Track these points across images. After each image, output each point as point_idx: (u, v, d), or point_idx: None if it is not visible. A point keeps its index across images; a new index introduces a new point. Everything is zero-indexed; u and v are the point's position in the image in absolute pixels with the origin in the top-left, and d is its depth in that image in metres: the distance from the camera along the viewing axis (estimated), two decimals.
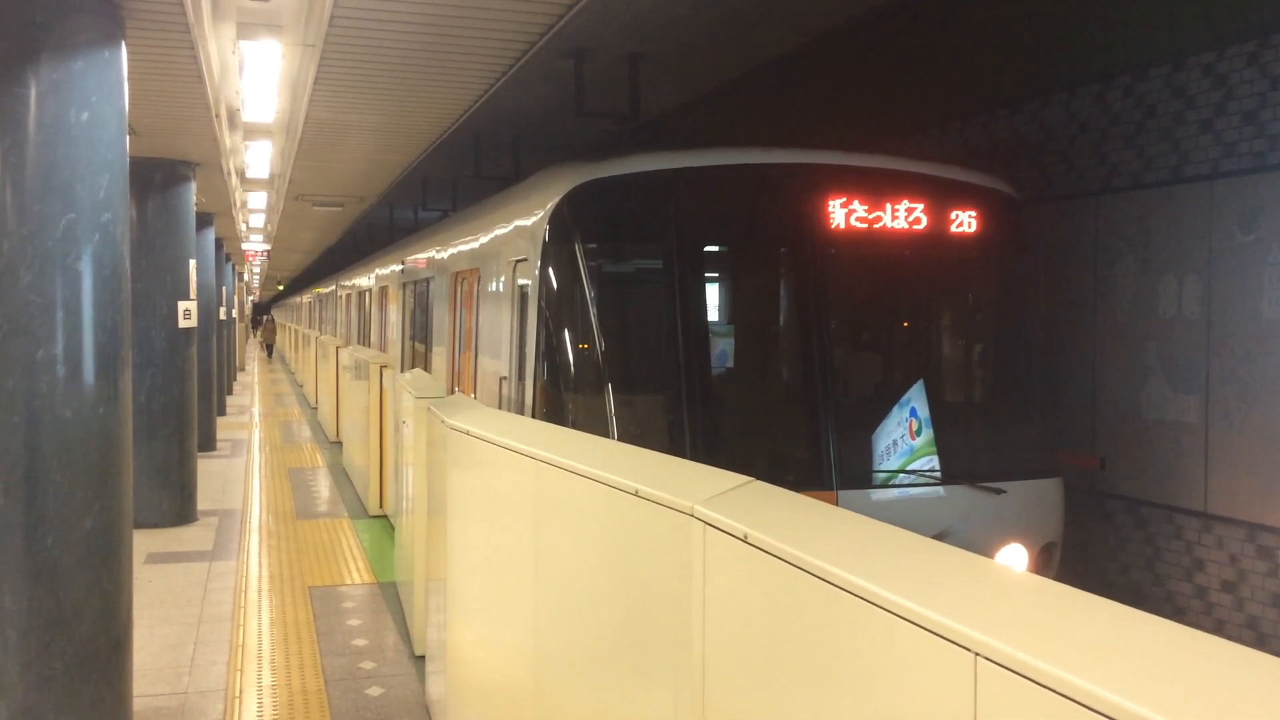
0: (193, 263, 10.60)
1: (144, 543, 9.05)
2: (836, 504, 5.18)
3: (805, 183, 5.97)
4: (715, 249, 6.36)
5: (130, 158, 5.19)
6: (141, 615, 6.70)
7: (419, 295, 11.60)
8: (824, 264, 5.95)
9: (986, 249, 6.37)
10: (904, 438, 5.87)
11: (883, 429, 5.89)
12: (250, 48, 6.42)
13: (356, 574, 8.41)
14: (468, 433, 4.43)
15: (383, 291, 15.28)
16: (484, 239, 7.97)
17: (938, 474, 5.85)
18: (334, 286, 24.88)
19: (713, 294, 6.26)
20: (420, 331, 11.39)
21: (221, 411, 18.96)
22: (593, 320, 5.79)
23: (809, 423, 5.76)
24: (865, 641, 1.92)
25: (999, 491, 5.81)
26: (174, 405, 10.24)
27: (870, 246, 6.05)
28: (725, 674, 2.45)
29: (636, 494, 2.88)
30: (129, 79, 5.17)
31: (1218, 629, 6.51)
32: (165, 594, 7.68)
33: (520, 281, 6.65)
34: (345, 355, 14.58)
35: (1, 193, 4.61)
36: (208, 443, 14.75)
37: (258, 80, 7.31)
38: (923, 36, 7.01)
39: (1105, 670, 1.46)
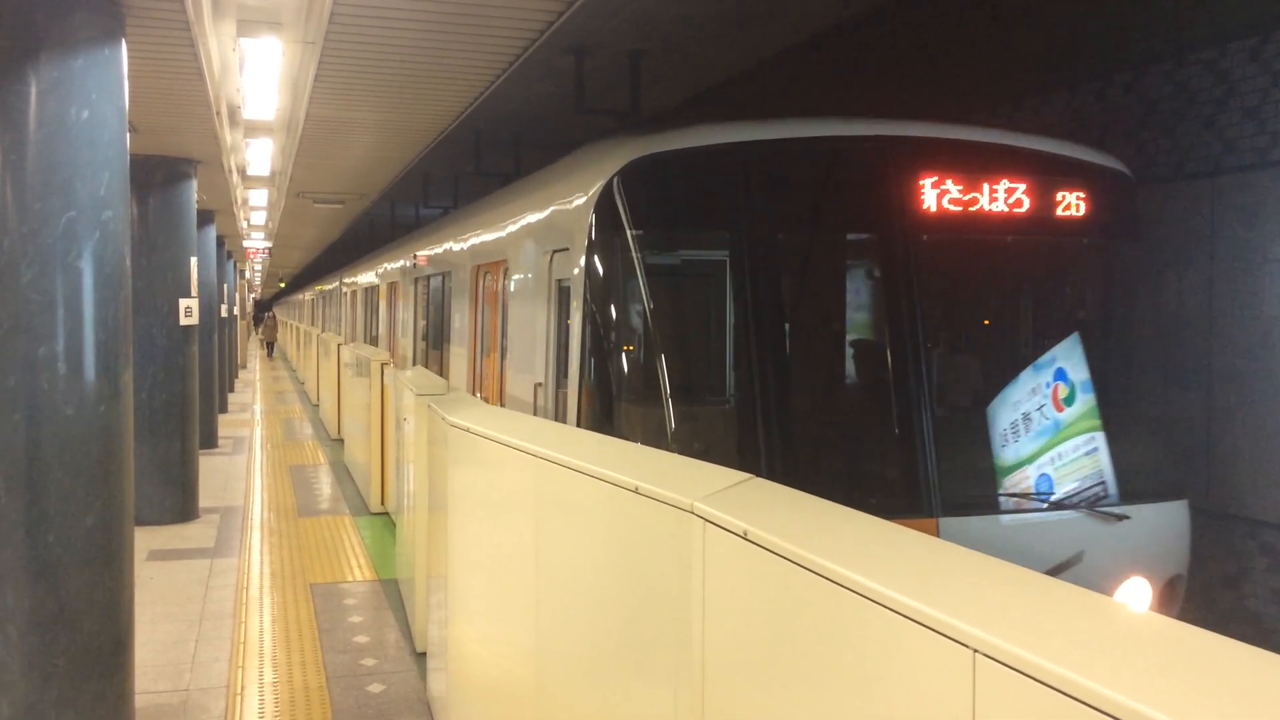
0: (194, 260, 10.60)
1: (145, 540, 9.06)
2: (937, 533, 4.68)
3: (894, 158, 5.23)
4: (791, 236, 5.47)
5: (131, 155, 5.19)
6: (143, 612, 6.71)
7: (433, 291, 10.74)
8: (917, 253, 5.18)
9: (1098, 235, 5.60)
10: (1013, 455, 5.19)
11: (988, 445, 5.18)
12: (250, 45, 6.42)
13: (358, 571, 8.42)
14: (468, 430, 4.43)
15: (392, 288, 14.24)
16: (512, 227, 7.18)
17: (1054, 498, 5.12)
18: (338, 283, 24.14)
19: (789, 289, 5.43)
20: (435, 331, 10.58)
21: (223, 409, 18.98)
22: (649, 320, 5.11)
23: (903, 438, 4.98)
24: (864, 638, 1.93)
25: (1122, 517, 5.10)
26: (175, 403, 10.25)
27: (969, 232, 5.31)
28: (725, 670, 2.45)
29: (637, 491, 2.88)
30: (129, 77, 5.17)
31: None
32: (167, 591, 7.69)
33: (559, 275, 5.89)
34: (346, 352, 14.58)
35: (2, 190, 4.62)
36: (209, 440, 14.75)
37: (258, 77, 7.31)
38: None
39: (1104, 667, 1.46)
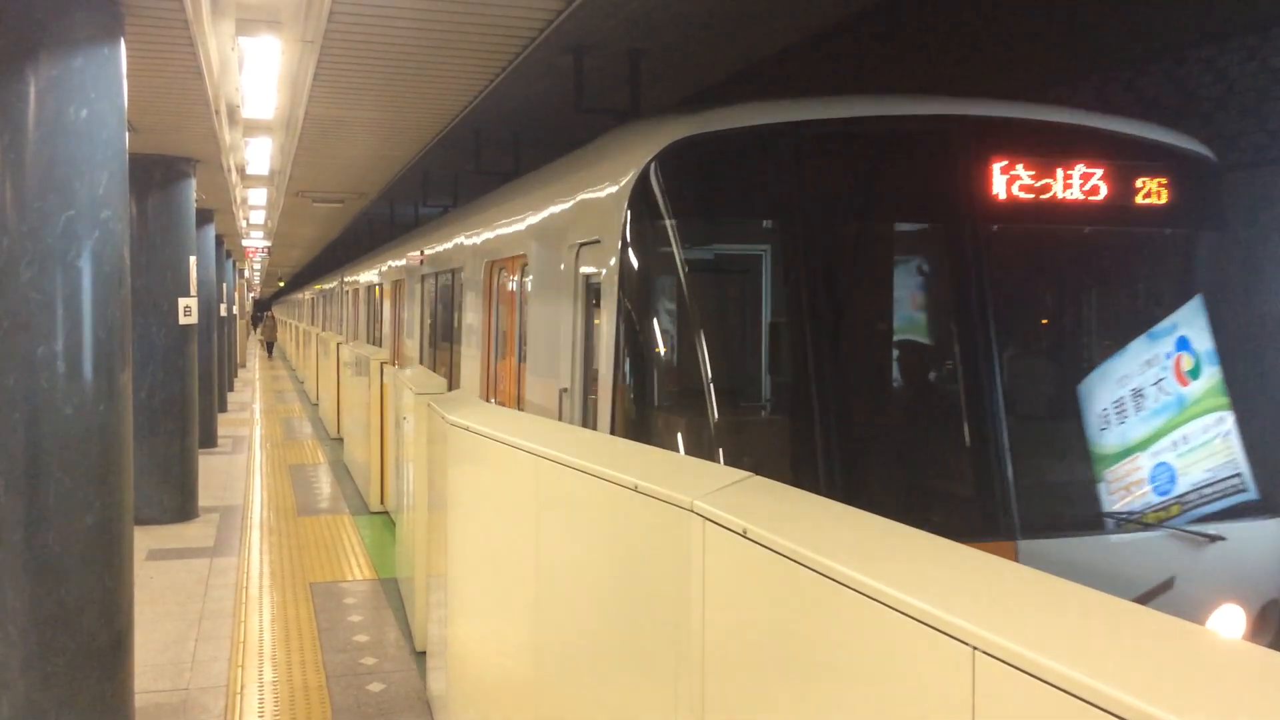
0: (193, 259, 10.60)
1: (145, 539, 9.07)
2: (1016, 557, 4.30)
3: (964, 140, 4.79)
4: (850, 226, 4.97)
5: (130, 154, 5.18)
6: (143, 612, 6.71)
7: (442, 289, 10.17)
8: (989, 245, 4.75)
9: (1182, 225, 5.15)
10: (1099, 469, 4.72)
11: (1071, 458, 4.75)
12: (250, 44, 6.42)
13: (357, 570, 8.42)
14: (468, 428, 4.43)
15: (396, 286, 13.57)
16: (533, 219, 6.64)
17: (1144, 516, 4.64)
18: (338, 281, 23.50)
19: (847, 285, 4.94)
20: (443, 331, 10.04)
21: (222, 408, 18.97)
22: (691, 319, 4.66)
23: (975, 451, 4.53)
24: (864, 636, 1.93)
25: (1217, 538, 4.58)
26: (175, 402, 10.25)
27: (1045, 222, 4.87)
28: (725, 668, 2.45)
29: (636, 489, 2.88)
30: (128, 75, 5.17)
31: None
32: (166, 590, 7.69)
33: (587, 269, 5.41)
34: (346, 351, 14.57)
35: (1, 189, 4.61)
36: (209, 439, 14.76)
37: (257, 76, 7.31)
38: None
39: (1102, 664, 1.46)
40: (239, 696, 5.68)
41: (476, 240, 8.39)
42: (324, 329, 25.57)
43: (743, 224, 4.99)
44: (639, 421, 4.74)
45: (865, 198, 4.93)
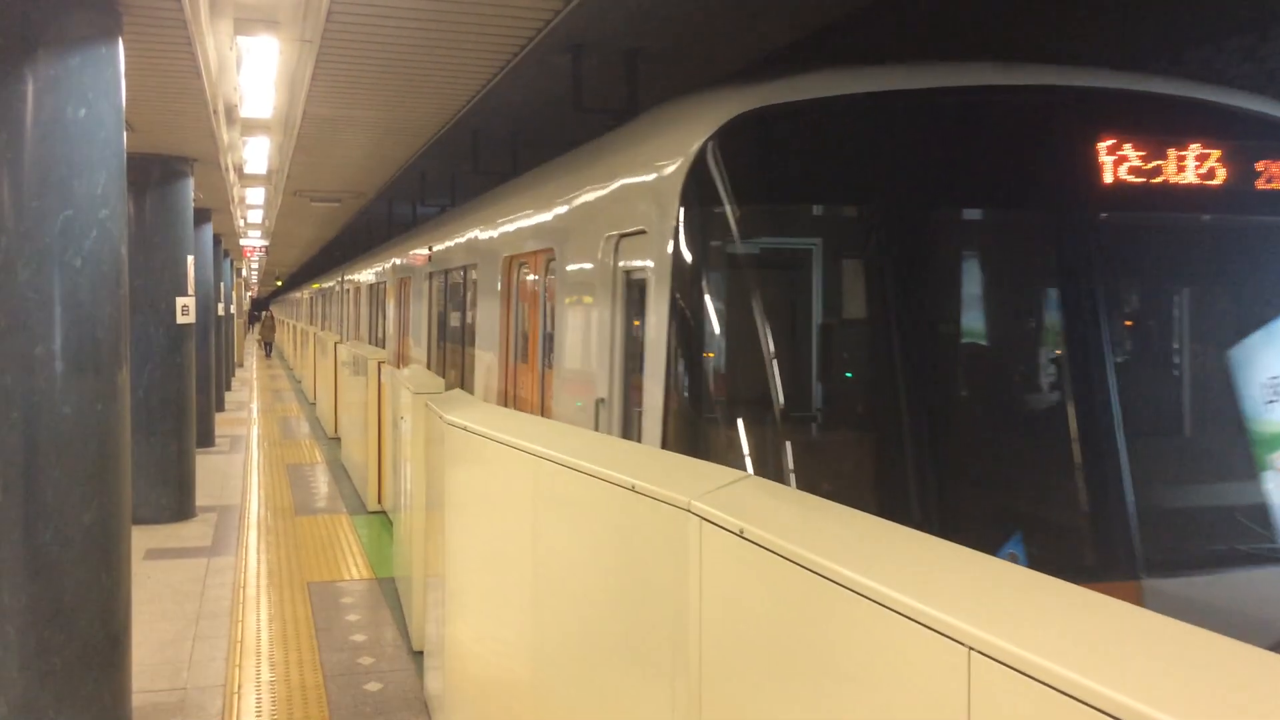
0: (190, 259, 10.59)
1: (142, 539, 9.06)
2: (1140, 600, 3.70)
3: (1073, 115, 4.23)
4: (945, 216, 4.33)
5: (128, 154, 5.18)
6: (140, 611, 6.71)
7: (452, 288, 9.54)
8: (1102, 236, 4.16)
9: None
10: (1236, 494, 4.14)
11: (1202, 482, 4.19)
12: (248, 43, 6.42)
13: (355, 569, 8.42)
14: (465, 428, 4.43)
15: (402, 284, 12.76)
16: (561, 209, 6.02)
17: None
18: (339, 279, 22.86)
19: (941, 283, 4.32)
20: (454, 333, 9.44)
21: (220, 407, 18.96)
22: (760, 321, 4.07)
23: (1091, 476, 3.95)
24: (860, 636, 1.93)
25: None
26: (172, 401, 10.25)
27: (1163, 210, 4.26)
28: (721, 668, 2.46)
29: (633, 489, 2.88)
30: (126, 75, 5.17)
31: None
32: (164, 590, 7.69)
33: (628, 264, 4.83)
34: (344, 351, 14.56)
35: None
36: (206, 438, 14.75)
37: (255, 76, 7.31)
38: None
39: (1098, 665, 1.47)
40: (236, 696, 5.68)
41: (493, 234, 7.78)
42: (322, 329, 25.54)
43: (817, 211, 4.34)
44: (696, 439, 4.11)
45: (963, 181, 4.29)
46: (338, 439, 15.70)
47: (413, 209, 17.02)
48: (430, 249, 10.67)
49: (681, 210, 4.23)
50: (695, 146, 4.21)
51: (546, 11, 5.83)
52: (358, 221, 21.04)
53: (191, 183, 10.93)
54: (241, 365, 33.90)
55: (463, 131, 9.68)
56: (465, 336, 8.81)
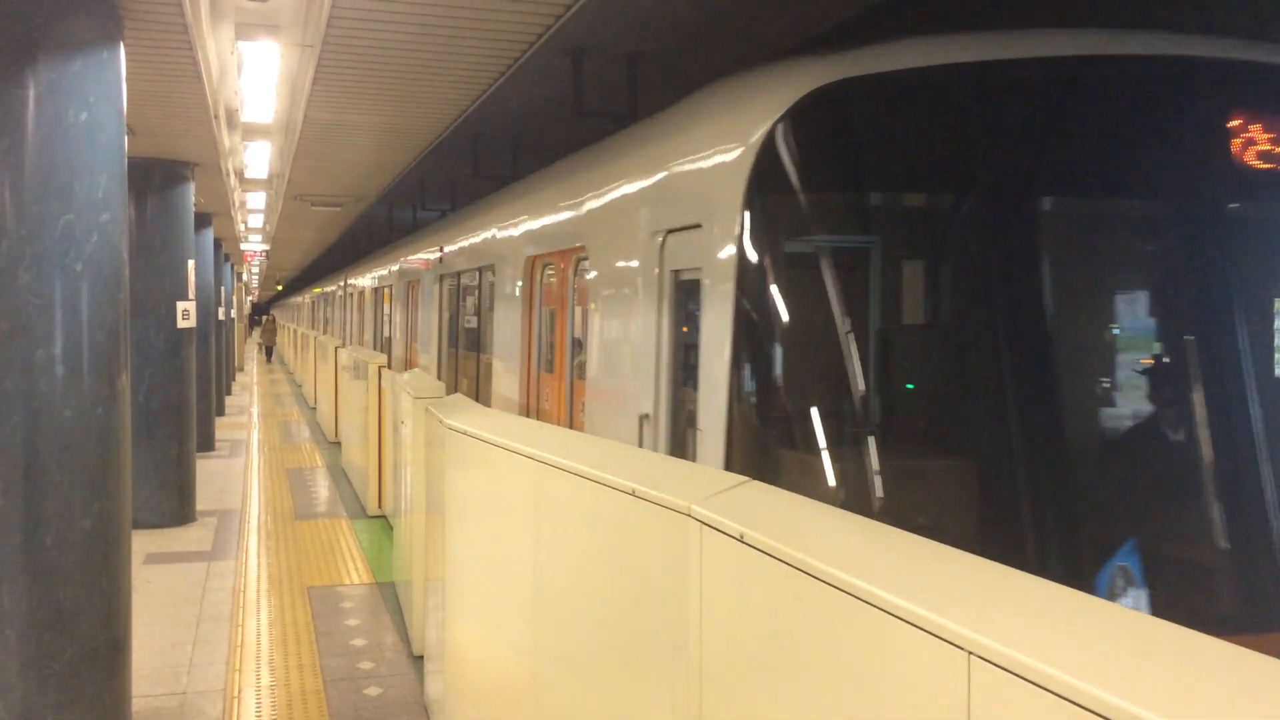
0: (191, 263, 10.60)
1: (143, 543, 9.06)
2: None
3: (1200, 91, 3.73)
4: (1059, 206, 3.76)
5: (129, 158, 5.19)
6: (140, 615, 6.70)
7: (467, 291, 8.98)
8: (1235, 232, 3.65)
9: None
10: None
11: None
12: (249, 48, 6.43)
13: (355, 574, 8.42)
14: (466, 433, 4.43)
15: (410, 287, 12.14)
16: (595, 203, 5.50)
17: None
18: (341, 283, 22.19)
19: (1060, 287, 3.68)
20: (468, 339, 8.91)
21: (220, 412, 18.97)
22: (841, 328, 3.52)
23: (1231, 515, 3.39)
24: (860, 640, 1.93)
25: None
26: (173, 405, 10.25)
27: None
28: (721, 672, 2.45)
29: (634, 494, 2.88)
30: (127, 79, 5.18)
31: None
32: (164, 594, 7.69)
33: (679, 264, 4.35)
34: (344, 355, 14.55)
35: (0, 193, 4.62)
36: (206, 443, 14.75)
37: (256, 81, 7.32)
38: None
39: (1097, 669, 1.46)
40: (236, 700, 5.68)
41: (514, 232, 7.22)
42: (323, 335, 25.52)
43: (909, 202, 3.83)
44: (767, 464, 3.61)
45: (1081, 165, 3.75)
46: (338, 443, 15.70)
47: (413, 213, 17.04)
48: (441, 249, 10.07)
49: (748, 201, 3.70)
50: (764, 127, 3.66)
51: (547, 16, 5.84)
52: (358, 225, 21.05)
53: (192, 187, 10.94)
54: (242, 369, 33.91)
55: (463, 135, 9.69)
56: (480, 343, 8.28)
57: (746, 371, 3.72)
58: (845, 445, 3.49)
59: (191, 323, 10.40)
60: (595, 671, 3.22)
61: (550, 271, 6.50)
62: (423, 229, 13.27)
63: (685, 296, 4.35)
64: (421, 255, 11.46)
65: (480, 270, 8.33)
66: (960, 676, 1.64)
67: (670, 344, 4.46)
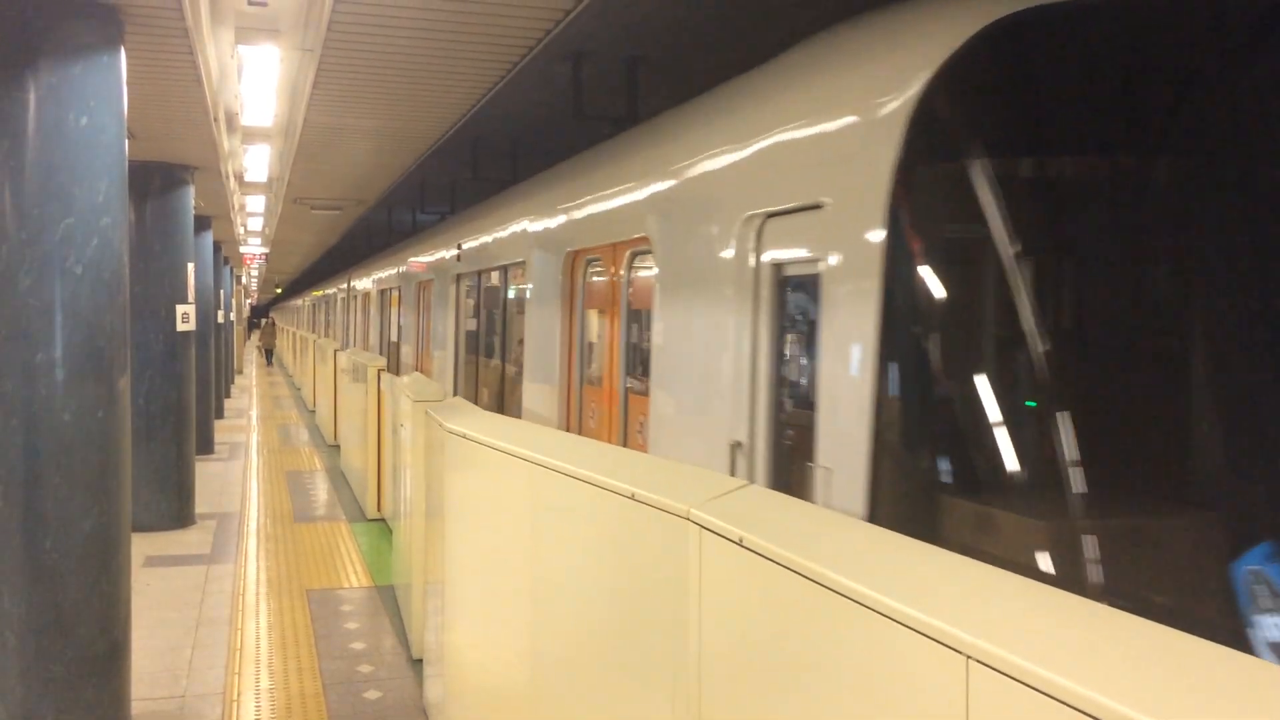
0: (191, 266, 10.61)
1: (142, 546, 9.06)
2: None
3: None
4: None
5: (128, 161, 5.20)
6: (139, 618, 6.70)
7: (488, 292, 8.21)
8: None
9: None
10: None
11: None
12: (249, 52, 6.44)
13: (354, 577, 8.42)
14: (465, 436, 4.44)
15: (421, 289, 11.31)
16: (660, 185, 4.69)
17: None
18: (345, 285, 21.39)
19: None
20: (489, 346, 8.15)
21: (219, 414, 18.96)
22: (1037, 339, 2.65)
23: None
24: (859, 645, 1.94)
25: None
26: (172, 408, 10.25)
27: None
28: (721, 676, 2.46)
29: (633, 497, 2.89)
30: (128, 83, 5.18)
31: None
32: (163, 597, 7.68)
33: (783, 256, 3.56)
34: (343, 358, 14.55)
35: (1, 197, 4.63)
36: (206, 446, 14.75)
37: (256, 84, 7.33)
38: None
39: (1097, 673, 1.47)
40: (235, 704, 5.68)
41: (550, 224, 6.47)
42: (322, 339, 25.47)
43: (1125, 165, 2.83)
44: (933, 513, 2.76)
45: None
46: (337, 446, 15.70)
47: (413, 215, 17.05)
48: (459, 246, 9.14)
49: (903, 170, 2.86)
50: (927, 74, 2.86)
51: (548, 20, 5.84)
52: (358, 228, 21.06)
53: (192, 190, 10.95)
54: (241, 372, 33.90)
55: (463, 139, 9.70)
56: (505, 351, 7.52)
57: (901, 392, 2.88)
58: (1049, 494, 2.56)
59: (191, 326, 10.41)
60: (594, 675, 3.22)
61: (597, 268, 5.74)
62: (438, 224, 12.25)
63: (793, 296, 3.59)
64: (436, 253, 10.53)
65: (506, 269, 7.58)
66: (959, 680, 1.65)
67: (770, 355, 3.67)
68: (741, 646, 2.38)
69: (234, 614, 7.29)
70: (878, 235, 2.96)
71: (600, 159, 6.05)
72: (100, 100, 4.82)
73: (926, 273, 2.86)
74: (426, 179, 12.88)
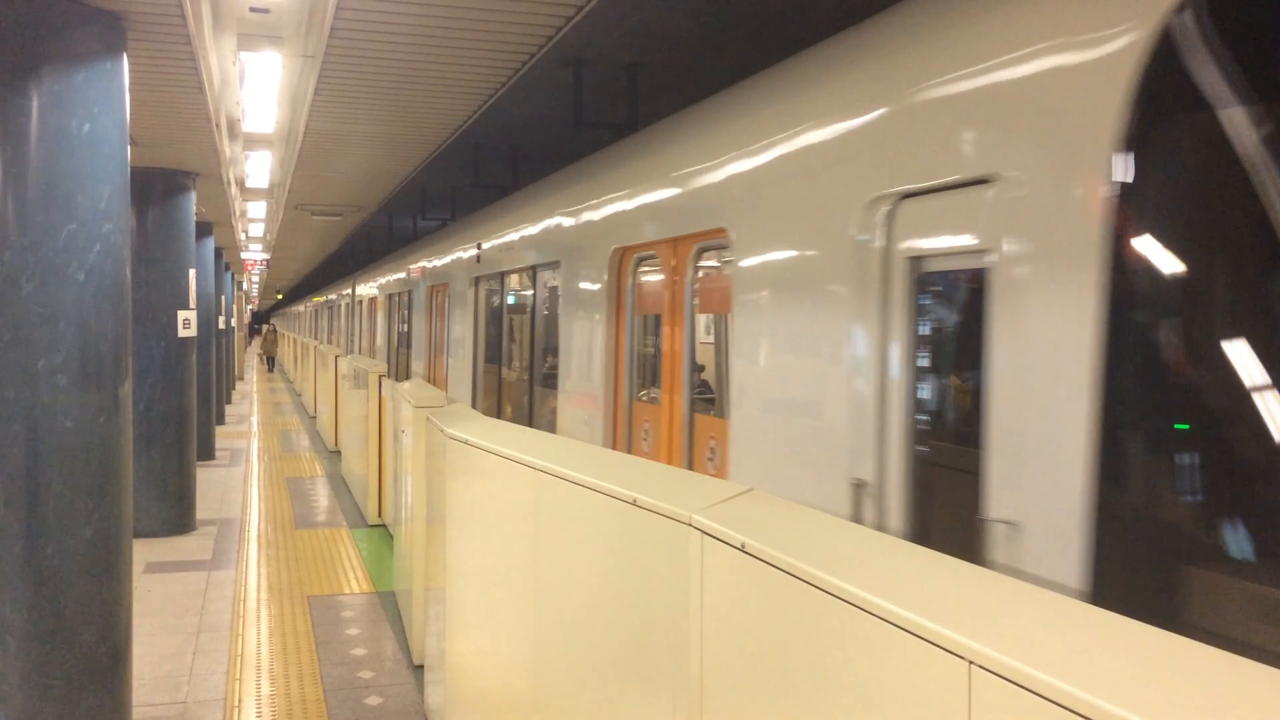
0: (192, 272, 10.62)
1: (143, 552, 9.06)
2: None
3: None
4: None
5: (131, 168, 5.21)
6: (140, 625, 6.71)
7: (513, 296, 7.61)
8: None
9: None
10: None
11: None
12: (251, 59, 6.46)
13: (355, 583, 8.41)
14: (466, 442, 4.44)
15: (434, 293, 10.52)
16: (736, 166, 4.10)
17: None
18: (349, 290, 20.73)
19: None
20: (515, 355, 7.53)
21: (220, 420, 18.96)
22: None
23: None
24: (861, 649, 1.94)
25: None
26: (173, 414, 10.26)
27: None
28: (723, 682, 2.46)
29: (634, 503, 2.89)
30: (130, 90, 5.20)
31: None
32: (164, 603, 7.68)
33: (925, 247, 2.95)
34: (344, 364, 14.55)
35: (3, 203, 4.64)
36: (207, 452, 14.75)
37: (258, 91, 7.35)
38: None
39: (1099, 678, 1.47)
40: (236, 710, 5.67)
41: (593, 217, 5.80)
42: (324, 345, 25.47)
43: None
44: (1202, 591, 2.07)
45: None
46: (338, 452, 15.69)
47: (413, 222, 17.07)
48: (479, 246, 8.46)
49: (1135, 131, 2.22)
50: (1160, 12, 2.21)
51: (549, 28, 5.86)
52: (360, 234, 21.07)
53: (194, 196, 10.97)
54: (242, 378, 33.90)
55: (464, 145, 9.72)
56: (532, 361, 6.91)
57: (1145, 419, 2.20)
58: None
59: (192, 332, 10.42)
60: (595, 681, 3.22)
61: (652, 267, 5.11)
62: (455, 223, 11.31)
63: (940, 294, 2.96)
64: (452, 254, 9.75)
65: (534, 270, 6.88)
66: (961, 685, 1.65)
67: (905, 371, 3.04)
68: (743, 652, 2.38)
69: (235, 620, 7.29)
70: (1093, 217, 2.30)
71: (653, 143, 5.32)
72: (103, 107, 4.83)
73: (1175, 263, 2.15)
74: (427, 185, 12.90)
